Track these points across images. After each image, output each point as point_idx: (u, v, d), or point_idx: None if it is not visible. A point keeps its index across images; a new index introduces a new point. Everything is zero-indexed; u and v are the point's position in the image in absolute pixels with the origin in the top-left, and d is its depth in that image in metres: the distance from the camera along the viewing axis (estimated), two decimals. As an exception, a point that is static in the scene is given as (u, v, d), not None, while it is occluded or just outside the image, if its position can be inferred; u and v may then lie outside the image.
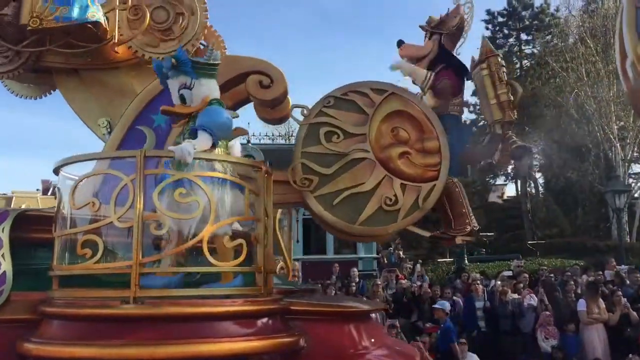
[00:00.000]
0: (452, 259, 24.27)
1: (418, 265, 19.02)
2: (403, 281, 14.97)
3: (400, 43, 5.34)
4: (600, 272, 14.51)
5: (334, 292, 13.88)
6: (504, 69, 5.13)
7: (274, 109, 5.31)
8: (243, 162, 3.82)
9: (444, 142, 4.89)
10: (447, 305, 11.52)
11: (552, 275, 14.10)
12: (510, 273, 15.80)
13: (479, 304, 12.37)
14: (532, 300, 12.11)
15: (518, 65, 37.63)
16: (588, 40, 29.72)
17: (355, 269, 16.21)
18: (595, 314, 10.92)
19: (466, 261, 22.04)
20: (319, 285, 14.16)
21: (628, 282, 12.70)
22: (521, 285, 12.94)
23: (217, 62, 4.20)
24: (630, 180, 30.91)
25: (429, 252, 32.03)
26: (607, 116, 29.35)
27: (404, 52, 5.34)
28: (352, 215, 4.81)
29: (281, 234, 5.67)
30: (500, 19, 37.89)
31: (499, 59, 5.13)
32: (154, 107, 5.07)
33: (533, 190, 38.99)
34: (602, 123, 29.39)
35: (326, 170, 4.88)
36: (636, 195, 30.75)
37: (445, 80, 5.11)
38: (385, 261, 22.94)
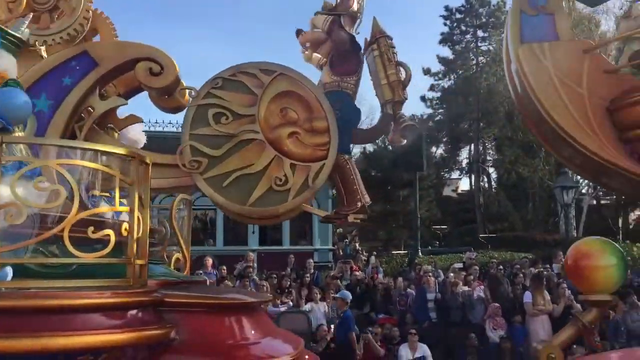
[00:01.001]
0: (406, 251, 24.63)
1: (373, 257, 19.26)
2: (357, 273, 15.13)
3: (298, 32, 5.38)
4: (548, 265, 14.97)
5: (288, 283, 13.94)
6: (394, 50, 5.17)
7: (170, 98, 5.21)
8: (114, 151, 3.64)
9: (333, 122, 4.93)
10: (347, 295, 11.61)
11: (501, 267, 14.48)
12: (461, 265, 16.17)
13: (430, 296, 12.61)
14: (481, 292, 12.43)
15: (474, 62, 38.31)
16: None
17: (311, 260, 16.29)
18: (540, 306, 11.28)
19: (420, 253, 22.44)
20: (274, 275, 14.24)
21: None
22: (471, 277, 13.25)
23: (19, 35, 3.89)
24: (579, 177, 31.91)
25: (385, 244, 32.52)
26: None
27: (303, 39, 5.36)
28: (243, 197, 4.82)
29: (178, 224, 5.63)
30: (457, 16, 38.43)
31: (388, 40, 5.18)
32: (36, 91, 4.85)
33: (486, 185, 39.89)
34: (553, 120, 30.14)
35: (215, 152, 4.87)
36: (583, 191, 31.77)
37: (340, 56, 5.14)
38: (341, 253, 23.13)
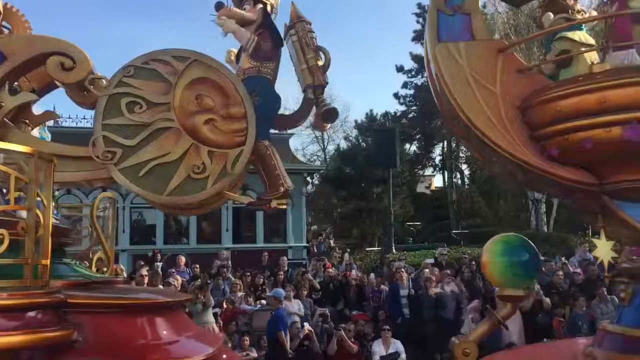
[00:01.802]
0: (380, 248, 24.74)
1: (347, 254, 19.31)
2: (330, 270, 15.17)
3: (219, 5, 5.23)
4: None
5: (262, 280, 13.93)
6: (313, 34, 5.18)
7: (88, 93, 5.00)
8: (9, 148, 3.54)
9: (250, 108, 4.87)
10: (280, 293, 11.58)
11: (473, 262, 14.64)
12: (432, 261, 16.32)
13: (403, 292, 12.69)
14: (454, 287, 12.56)
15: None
16: (512, 37, 30.84)
17: (284, 258, 16.27)
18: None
19: (393, 250, 22.59)
20: (247, 273, 14.20)
21: (544, 269, 13.35)
22: (444, 272, 13.39)
23: None
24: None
25: (359, 241, 32.64)
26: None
27: (225, 13, 5.19)
28: (160, 186, 4.74)
29: (99, 223, 5.56)
30: (430, 14, 38.73)
31: (307, 25, 5.18)
32: None
33: (459, 182, 40.31)
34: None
35: (130, 142, 4.75)
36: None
37: (266, 43, 5.10)
38: (315, 250, 23.14)
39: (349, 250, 22.24)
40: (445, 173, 39.69)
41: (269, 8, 5.29)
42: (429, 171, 42.83)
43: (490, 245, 3.61)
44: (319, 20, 5.53)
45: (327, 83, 5.16)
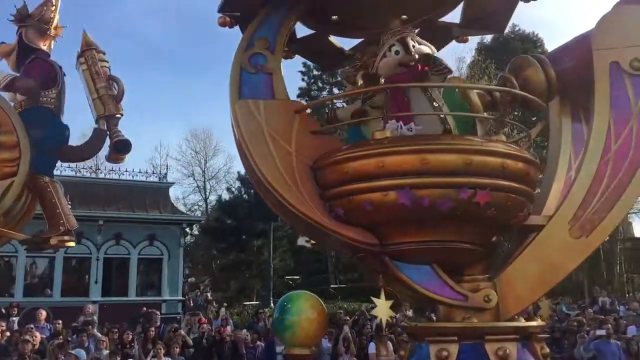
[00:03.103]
0: (258, 302, 24.46)
1: (223, 309, 18.89)
2: (205, 325, 14.72)
3: None
4: (396, 315, 15.58)
5: (130, 337, 13.17)
6: (105, 63, 5.08)
7: None
8: None
9: (23, 137, 4.57)
10: (82, 354, 10.60)
11: (347, 318, 14.82)
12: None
13: (279, 349, 12.52)
14: (328, 343, 12.61)
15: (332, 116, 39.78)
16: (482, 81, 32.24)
17: (157, 313, 15.55)
18: (383, 356, 11.64)
19: (272, 304, 22.40)
20: (114, 329, 13.38)
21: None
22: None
23: None
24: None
25: (237, 294, 32.06)
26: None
27: None
28: None
29: None
30: (315, 72, 40.08)
31: (96, 53, 5.07)
32: None
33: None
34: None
35: None
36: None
37: (25, 80, 4.84)
38: (192, 303, 22.42)
39: (225, 304, 21.78)
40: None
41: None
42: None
43: (294, 303, 3.79)
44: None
45: (121, 114, 4.97)
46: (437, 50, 4.29)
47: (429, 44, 4.03)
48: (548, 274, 3.65)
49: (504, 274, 3.64)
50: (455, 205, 3.28)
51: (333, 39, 4.81)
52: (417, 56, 3.86)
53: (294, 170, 3.57)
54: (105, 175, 27.56)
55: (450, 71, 3.96)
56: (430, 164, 3.28)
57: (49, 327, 13.22)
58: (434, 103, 3.76)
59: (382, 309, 3.49)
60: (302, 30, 4.65)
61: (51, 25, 5.05)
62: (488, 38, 37.86)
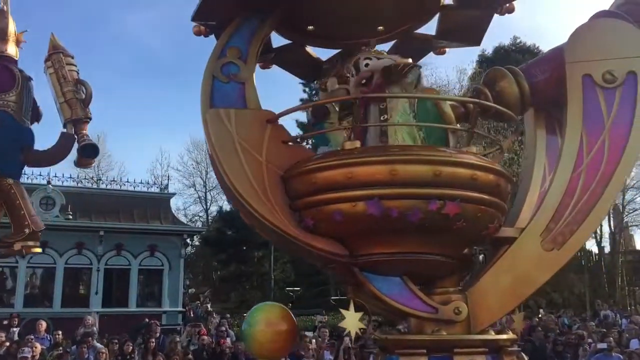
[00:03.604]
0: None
1: (217, 320, 18.79)
2: (205, 337, 14.65)
3: None
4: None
5: (130, 348, 13.12)
6: (74, 67, 5.05)
7: None
8: None
9: None
10: None
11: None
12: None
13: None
14: (330, 355, 12.57)
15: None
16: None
17: (157, 324, 15.49)
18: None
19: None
20: (115, 341, 13.33)
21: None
22: (321, 340, 13.38)
23: None
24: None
25: (237, 306, 31.95)
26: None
27: None
28: None
29: None
30: (315, 84, 40.26)
31: (63, 57, 5.03)
32: None
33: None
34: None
35: None
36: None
37: None
38: (192, 314, 22.33)
39: (228, 315, 21.68)
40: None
41: None
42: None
43: (251, 315, 3.84)
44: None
45: (90, 118, 4.93)
46: (417, 61, 4.26)
47: (394, 56, 3.92)
48: (520, 287, 3.63)
49: (476, 286, 3.62)
50: (424, 217, 3.25)
51: (310, 49, 4.80)
52: (367, 74, 3.78)
53: (264, 180, 3.55)
54: (106, 185, 27.66)
55: (418, 67, 3.85)
56: (399, 175, 3.25)
57: (49, 338, 13.19)
58: (383, 116, 3.70)
59: (351, 321, 3.44)
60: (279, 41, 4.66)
61: (6, 34, 5.02)
62: (490, 50, 38.15)
